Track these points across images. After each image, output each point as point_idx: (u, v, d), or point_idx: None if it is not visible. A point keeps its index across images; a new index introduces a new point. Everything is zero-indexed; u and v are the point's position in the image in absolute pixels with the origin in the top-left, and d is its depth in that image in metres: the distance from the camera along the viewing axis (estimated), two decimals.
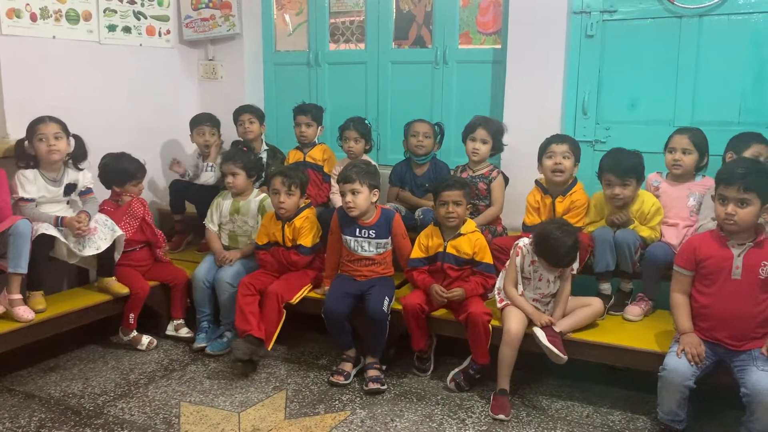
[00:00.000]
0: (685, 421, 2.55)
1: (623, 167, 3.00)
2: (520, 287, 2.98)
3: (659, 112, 3.54)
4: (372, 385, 3.01)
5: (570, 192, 3.21)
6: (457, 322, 3.04)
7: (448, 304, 3.07)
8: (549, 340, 2.77)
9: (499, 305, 3.00)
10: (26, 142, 3.22)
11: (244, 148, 3.69)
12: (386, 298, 3.08)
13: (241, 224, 3.64)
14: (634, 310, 3.06)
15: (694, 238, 2.71)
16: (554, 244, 2.79)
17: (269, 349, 3.20)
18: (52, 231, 3.13)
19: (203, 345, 3.45)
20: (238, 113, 4.09)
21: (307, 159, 3.95)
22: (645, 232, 3.04)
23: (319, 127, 4.01)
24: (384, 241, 3.23)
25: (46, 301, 3.16)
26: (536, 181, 3.35)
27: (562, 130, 3.62)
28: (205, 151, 4.11)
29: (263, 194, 3.69)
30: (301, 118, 3.96)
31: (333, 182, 3.89)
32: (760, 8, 3.27)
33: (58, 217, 3.18)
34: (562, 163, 3.16)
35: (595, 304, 2.95)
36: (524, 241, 2.98)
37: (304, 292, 3.34)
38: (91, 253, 3.25)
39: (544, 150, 3.23)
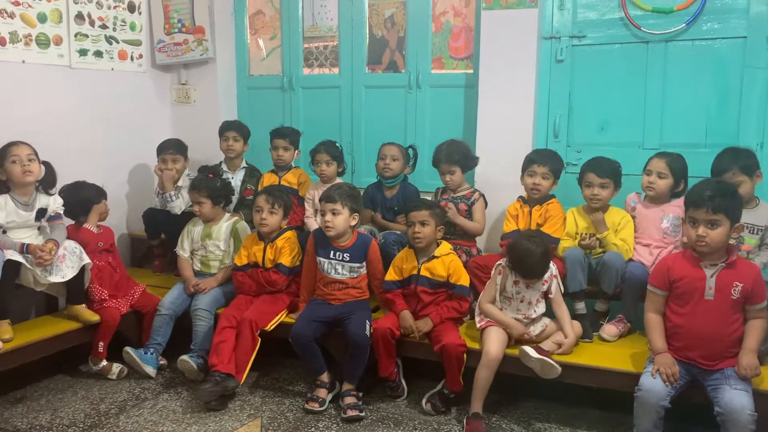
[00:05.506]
0: None
1: (604, 168, 3.17)
2: (498, 304, 2.98)
3: (628, 134, 3.61)
4: (351, 413, 2.97)
5: (546, 203, 3.33)
6: (427, 345, 3.01)
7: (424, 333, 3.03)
8: (539, 353, 2.78)
9: (478, 325, 2.99)
10: None
11: (210, 175, 3.65)
12: (367, 321, 3.07)
13: (213, 249, 3.59)
14: (610, 330, 3.08)
15: (667, 258, 2.75)
16: (523, 255, 2.83)
17: (242, 382, 3.12)
18: (17, 257, 3.05)
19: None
20: (224, 129, 4.11)
21: (282, 182, 3.94)
22: (616, 241, 3.10)
23: (296, 151, 4.02)
24: (357, 265, 3.22)
25: (12, 330, 3.07)
26: (520, 197, 3.43)
27: None
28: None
29: (235, 217, 3.67)
30: (279, 141, 3.96)
31: (307, 206, 3.88)
32: (722, 34, 3.37)
33: (23, 245, 3.10)
34: (541, 183, 3.30)
35: (575, 328, 2.94)
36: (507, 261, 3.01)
37: (280, 318, 3.29)
38: (56, 281, 3.17)
39: (526, 167, 3.34)
